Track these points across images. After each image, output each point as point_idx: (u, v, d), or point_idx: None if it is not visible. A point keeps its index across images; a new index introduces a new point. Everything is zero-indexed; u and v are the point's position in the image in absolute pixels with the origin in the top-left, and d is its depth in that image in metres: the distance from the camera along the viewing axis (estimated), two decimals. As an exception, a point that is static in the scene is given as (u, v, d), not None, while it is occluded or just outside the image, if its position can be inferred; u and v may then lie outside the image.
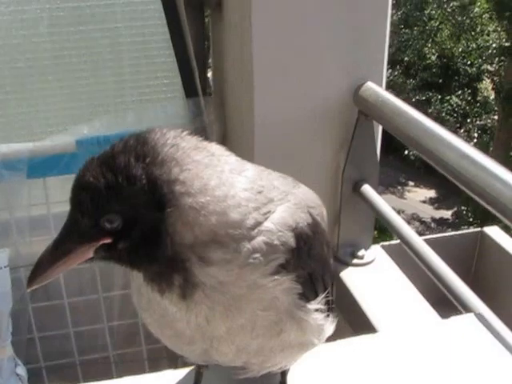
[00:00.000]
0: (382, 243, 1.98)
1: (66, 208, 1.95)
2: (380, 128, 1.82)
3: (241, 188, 0.75)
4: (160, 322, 0.84)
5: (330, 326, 0.89)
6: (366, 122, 1.72)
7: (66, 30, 2.00)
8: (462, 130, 16.40)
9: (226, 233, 0.72)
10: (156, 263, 0.74)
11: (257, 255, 0.74)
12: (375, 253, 1.93)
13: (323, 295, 0.84)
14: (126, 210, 0.71)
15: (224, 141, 2.07)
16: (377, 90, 1.65)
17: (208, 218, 0.71)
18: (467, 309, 1.31)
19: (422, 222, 14.99)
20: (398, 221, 1.65)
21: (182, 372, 1.09)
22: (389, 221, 1.68)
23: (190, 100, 2.01)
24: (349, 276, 1.85)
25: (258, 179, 0.78)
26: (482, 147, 15.60)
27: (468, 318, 1.25)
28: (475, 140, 16.25)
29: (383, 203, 1.75)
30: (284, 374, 1.01)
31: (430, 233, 13.94)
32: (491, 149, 15.29)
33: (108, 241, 0.72)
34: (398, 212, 14.29)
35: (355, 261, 1.90)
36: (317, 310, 0.83)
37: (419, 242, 1.54)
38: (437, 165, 1.32)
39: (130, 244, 0.72)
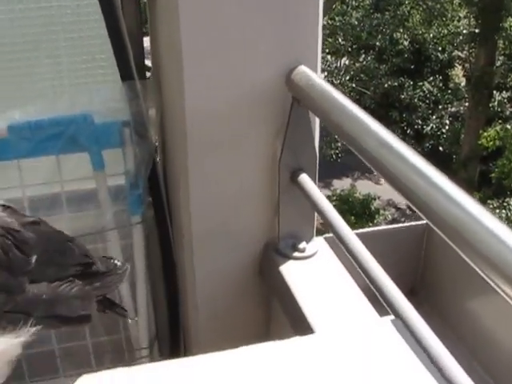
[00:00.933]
0: (325, 235, 1.93)
1: (2, 195, 1.89)
2: (317, 115, 1.77)
3: None
4: None
5: None
6: (300, 108, 1.67)
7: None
8: (434, 117, 16.47)
9: None
10: None
11: None
12: (318, 245, 1.88)
13: None
14: None
15: (162, 126, 2.02)
16: (309, 74, 1.60)
17: None
18: (394, 311, 1.28)
19: (398, 209, 15.08)
20: (333, 213, 1.60)
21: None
22: (323, 213, 1.63)
23: (126, 83, 1.94)
24: (289, 270, 1.80)
25: None
26: (454, 134, 15.69)
27: (394, 321, 1.23)
28: (447, 127, 16.33)
29: (319, 194, 1.70)
30: None
31: (406, 220, 14.00)
32: (462, 136, 15.38)
33: None
34: (374, 198, 14.32)
35: (296, 254, 1.85)
36: None
37: (352, 238, 1.50)
38: (359, 152, 1.28)
39: None
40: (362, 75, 16.35)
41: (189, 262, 1.97)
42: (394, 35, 16.27)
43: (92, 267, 1.08)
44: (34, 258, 0.95)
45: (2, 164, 1.92)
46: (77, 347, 2.23)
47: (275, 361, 1.14)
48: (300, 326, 1.62)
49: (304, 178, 1.76)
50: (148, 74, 2.20)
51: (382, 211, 14.48)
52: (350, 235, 1.50)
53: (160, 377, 1.12)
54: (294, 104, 1.67)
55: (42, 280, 0.96)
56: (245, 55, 1.65)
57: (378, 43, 16.17)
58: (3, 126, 1.85)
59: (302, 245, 1.86)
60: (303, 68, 1.64)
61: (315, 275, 1.78)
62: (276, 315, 2.00)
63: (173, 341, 2.27)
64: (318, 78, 1.56)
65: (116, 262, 1.16)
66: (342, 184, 15.76)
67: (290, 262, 1.84)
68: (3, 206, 0.98)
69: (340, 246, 1.52)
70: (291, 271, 1.80)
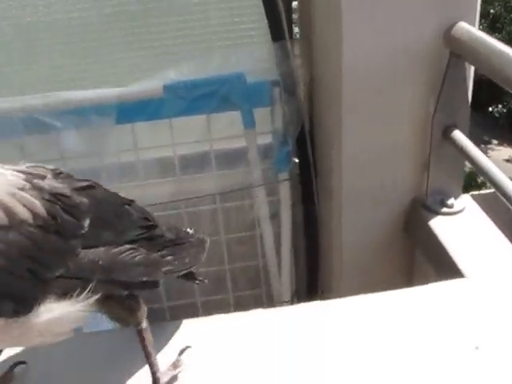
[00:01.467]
0: (471, 193, 1.93)
1: (154, 154, 1.98)
2: (472, 71, 1.76)
3: None
4: None
5: (38, 317, 0.86)
6: (459, 63, 1.66)
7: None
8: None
9: None
10: None
11: None
12: (465, 202, 1.88)
13: None
14: None
15: (311, 85, 2.04)
16: (470, 29, 1.59)
17: None
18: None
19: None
20: (491, 167, 1.60)
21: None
22: (481, 167, 1.63)
23: (277, 44, 1.98)
24: (437, 224, 1.81)
25: None
26: None
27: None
28: None
29: (475, 149, 1.69)
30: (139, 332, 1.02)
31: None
32: None
33: None
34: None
35: (444, 209, 1.85)
36: None
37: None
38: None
39: None
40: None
41: (336, 217, 2.00)
42: (510, 2, 15.60)
43: (154, 230, 1.06)
44: (86, 222, 0.93)
45: (155, 123, 2.00)
46: (219, 301, 2.32)
47: (422, 304, 1.17)
48: (450, 273, 1.63)
49: (457, 134, 1.76)
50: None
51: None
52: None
53: (301, 318, 1.17)
54: (452, 60, 1.66)
55: (98, 245, 0.94)
56: (403, 12, 1.65)
57: (492, 10, 15.58)
58: (159, 84, 1.93)
59: (450, 201, 1.86)
60: (463, 24, 1.63)
61: (464, 229, 1.78)
62: (420, 267, 2.02)
63: (312, 294, 2.32)
64: (484, 34, 1.55)
65: (189, 230, 1.14)
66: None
67: (439, 218, 1.84)
68: (55, 171, 0.96)
69: (503, 202, 1.51)
70: (439, 225, 1.80)
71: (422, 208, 1.90)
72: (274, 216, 2.17)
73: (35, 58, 2.05)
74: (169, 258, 1.04)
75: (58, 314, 0.87)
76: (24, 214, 0.84)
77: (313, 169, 2.13)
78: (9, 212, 0.83)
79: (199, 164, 2.09)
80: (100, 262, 0.93)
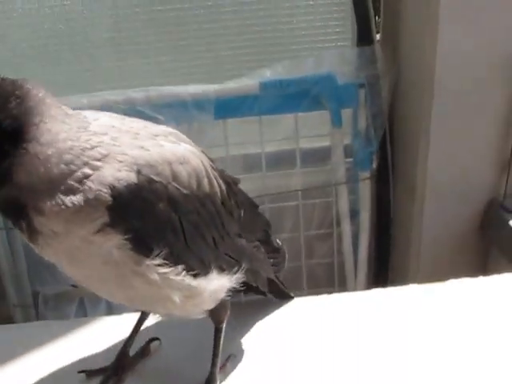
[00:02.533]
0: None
1: (242, 150, 2.05)
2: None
3: (80, 143, 0.76)
4: None
5: (208, 282, 0.90)
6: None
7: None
8: None
9: (58, 186, 0.75)
10: None
11: (81, 214, 0.76)
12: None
13: (160, 250, 0.82)
14: None
15: (395, 87, 2.13)
16: None
17: (48, 169, 0.74)
18: None
19: None
20: None
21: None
22: None
23: (364, 47, 2.08)
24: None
25: (102, 134, 0.79)
26: None
27: None
28: None
29: None
30: (217, 331, 1.02)
31: None
32: None
33: None
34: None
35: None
36: (161, 265, 0.82)
37: None
38: None
39: None
40: None
41: (417, 214, 2.09)
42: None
43: (270, 236, 1.12)
44: (242, 212, 1.00)
45: (245, 120, 2.09)
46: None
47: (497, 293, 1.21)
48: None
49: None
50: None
51: None
52: None
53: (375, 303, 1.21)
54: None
55: (242, 235, 0.99)
56: (502, 18, 1.74)
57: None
58: (256, 82, 2.02)
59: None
60: None
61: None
62: (495, 265, 2.08)
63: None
64: None
65: (278, 241, 1.16)
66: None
67: (516, 218, 1.92)
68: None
69: None
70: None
71: (500, 208, 1.98)
72: (353, 214, 2.25)
73: (137, 53, 2.15)
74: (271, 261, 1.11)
75: (218, 284, 0.92)
76: (217, 188, 0.91)
77: (391, 166, 2.21)
78: (211, 183, 0.90)
79: (285, 161, 2.17)
80: (247, 250, 1.00)
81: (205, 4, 2.11)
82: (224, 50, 2.17)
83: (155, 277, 0.82)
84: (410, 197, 2.14)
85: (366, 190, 2.21)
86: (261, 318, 1.18)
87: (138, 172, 0.78)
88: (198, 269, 0.88)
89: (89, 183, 0.75)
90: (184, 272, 0.85)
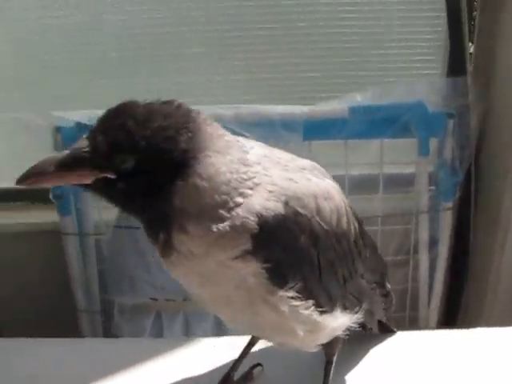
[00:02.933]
0: None
1: (334, 172, 2.07)
2: None
3: (238, 175, 0.77)
4: None
5: (331, 318, 0.90)
6: None
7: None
8: None
9: (208, 213, 0.76)
10: (145, 215, 0.79)
11: (224, 239, 0.76)
12: None
13: (295, 283, 0.82)
14: (144, 161, 0.75)
15: (486, 120, 2.11)
16: None
17: (203, 199, 0.76)
18: None
19: None
20: None
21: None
22: None
23: (456, 77, 2.08)
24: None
25: (257, 164, 0.80)
26: None
27: None
28: None
29: None
30: (328, 363, 1.02)
31: None
32: None
33: (112, 176, 0.75)
34: None
35: None
36: (293, 298, 0.83)
37: None
38: None
39: (130, 188, 0.76)
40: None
41: (499, 248, 2.06)
42: None
43: (386, 280, 1.11)
44: (367, 252, 0.99)
45: (333, 142, 2.09)
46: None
47: None
48: None
49: None
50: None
51: None
52: None
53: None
54: None
55: (365, 276, 0.99)
56: None
57: None
58: (345, 106, 2.03)
59: None
60: None
61: None
62: None
63: (453, 322, 2.37)
64: None
65: (388, 285, 1.14)
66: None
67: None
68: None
69: None
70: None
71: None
72: (431, 243, 2.24)
73: (227, 70, 2.19)
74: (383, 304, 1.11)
75: (340, 322, 0.92)
76: (352, 226, 0.92)
77: (473, 198, 2.20)
78: (348, 220, 0.90)
79: (368, 185, 2.17)
80: (367, 291, 1.01)
81: (298, 25, 2.13)
82: (314, 72, 2.19)
83: (285, 308, 0.83)
84: (491, 230, 2.12)
85: (447, 219, 2.20)
86: (364, 352, 1.18)
87: (286, 203, 0.79)
88: (326, 305, 0.88)
89: (237, 210, 0.77)
90: (313, 307, 0.86)
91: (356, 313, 0.95)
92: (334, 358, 1.01)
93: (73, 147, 0.75)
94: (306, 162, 0.88)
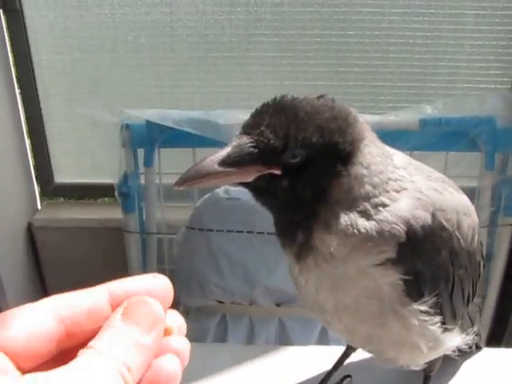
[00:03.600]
0: None
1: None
2: None
3: (388, 171, 0.76)
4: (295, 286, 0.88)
5: (451, 337, 0.89)
6: None
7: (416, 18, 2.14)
8: None
9: (356, 205, 0.74)
10: (299, 213, 0.75)
11: (370, 243, 0.74)
12: None
13: (430, 298, 0.81)
14: (313, 154, 0.71)
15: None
16: None
17: (357, 187, 0.74)
18: None
19: None
20: None
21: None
22: None
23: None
24: None
25: (403, 169, 0.79)
26: None
27: None
28: None
29: None
30: (426, 379, 1.02)
31: None
32: None
33: (277, 172, 0.72)
34: None
35: None
36: (424, 313, 0.82)
37: None
38: None
39: (294, 184, 0.73)
40: None
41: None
42: None
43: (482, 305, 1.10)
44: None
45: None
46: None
47: None
48: None
49: None
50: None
51: None
52: None
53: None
54: None
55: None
56: None
57: None
58: (416, 118, 2.03)
59: None
60: None
61: None
62: None
63: (504, 338, 2.36)
64: None
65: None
66: None
67: None
68: None
69: None
70: None
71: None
72: (488, 257, 2.23)
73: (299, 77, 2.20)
74: None
75: (456, 342, 0.92)
76: (480, 246, 0.91)
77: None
78: (478, 239, 0.89)
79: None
80: (478, 314, 1.02)
81: (372, 34, 2.13)
82: (386, 81, 2.20)
83: (415, 322, 0.82)
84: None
85: (505, 235, 2.20)
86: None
87: (433, 215, 0.77)
88: (450, 323, 0.88)
89: (385, 214, 0.75)
90: (439, 323, 0.85)
91: (468, 334, 0.95)
92: (433, 374, 1.02)
93: (234, 144, 0.70)
94: (442, 175, 0.87)
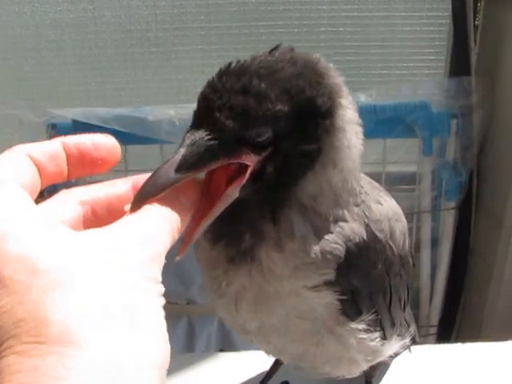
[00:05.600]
0: None
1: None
2: None
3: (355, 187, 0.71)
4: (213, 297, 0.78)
5: (388, 347, 0.86)
6: None
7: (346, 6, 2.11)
8: None
9: (316, 220, 0.68)
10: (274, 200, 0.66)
11: (313, 266, 0.69)
12: None
13: (369, 315, 0.78)
14: (284, 124, 0.61)
15: (490, 121, 2.09)
16: None
17: (328, 195, 0.67)
18: None
19: None
20: None
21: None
22: None
23: (460, 78, 2.05)
24: None
25: (362, 180, 0.74)
26: None
27: None
28: None
29: None
30: (367, 382, 1.00)
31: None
32: None
33: (249, 160, 0.60)
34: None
35: None
36: (363, 331, 0.78)
37: None
38: None
39: (274, 168, 0.62)
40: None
41: (502, 249, 2.05)
42: None
43: None
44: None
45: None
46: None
47: None
48: None
49: None
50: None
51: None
52: None
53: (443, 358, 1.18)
54: None
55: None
56: None
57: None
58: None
59: None
60: None
61: None
62: None
63: (456, 323, 2.36)
64: None
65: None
66: None
67: None
68: None
69: None
70: None
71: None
72: (434, 242, 2.22)
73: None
74: None
75: (394, 349, 0.90)
76: (409, 248, 0.87)
77: (474, 199, 2.18)
78: (409, 243, 0.85)
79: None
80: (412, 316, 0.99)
81: (301, 23, 2.09)
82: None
83: (352, 341, 0.77)
84: (494, 232, 2.10)
85: (449, 219, 2.19)
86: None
87: (367, 226, 0.72)
88: (389, 334, 0.84)
89: (337, 231, 0.69)
90: (379, 338, 0.81)
91: (405, 338, 0.92)
92: (373, 379, 0.99)
93: (188, 143, 0.57)
94: (370, 179, 0.82)
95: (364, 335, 0.78)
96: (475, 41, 2.11)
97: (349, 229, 0.70)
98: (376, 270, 0.76)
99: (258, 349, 0.89)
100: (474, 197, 2.19)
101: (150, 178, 0.53)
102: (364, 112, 1.93)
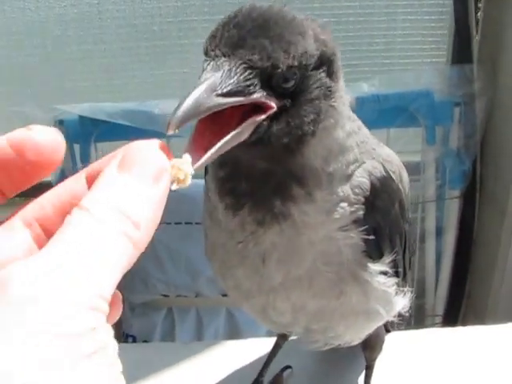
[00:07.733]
0: None
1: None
2: None
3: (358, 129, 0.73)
4: (222, 267, 0.81)
5: (400, 299, 0.86)
6: None
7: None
8: None
9: (336, 164, 0.69)
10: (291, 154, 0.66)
11: (345, 204, 0.71)
12: None
13: (390, 257, 0.79)
14: (305, 71, 0.61)
15: (492, 109, 2.10)
16: None
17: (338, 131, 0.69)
18: None
19: None
20: None
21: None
22: None
23: (462, 66, 2.06)
24: None
25: (364, 129, 0.75)
26: None
27: None
28: None
29: None
30: (368, 368, 1.01)
31: None
32: None
33: (273, 106, 0.59)
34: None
35: None
36: (383, 273, 0.78)
37: None
38: None
39: (290, 118, 0.62)
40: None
41: (505, 237, 2.06)
42: None
43: None
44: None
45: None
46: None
47: None
48: None
49: None
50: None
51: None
52: None
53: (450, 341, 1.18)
54: None
55: None
56: None
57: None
58: (352, 96, 2.00)
59: None
60: None
61: None
62: None
63: (461, 312, 2.37)
64: None
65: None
66: None
67: None
68: None
69: None
70: None
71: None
72: (437, 231, 2.23)
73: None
74: None
75: (403, 303, 0.88)
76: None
77: (478, 187, 2.19)
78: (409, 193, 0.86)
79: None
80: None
81: (303, 13, 2.09)
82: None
83: (375, 285, 0.78)
84: (497, 220, 2.11)
85: (453, 208, 2.20)
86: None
87: (384, 167, 0.75)
88: (402, 284, 0.85)
89: (359, 169, 0.72)
90: (395, 286, 0.82)
91: (410, 293, 0.91)
92: (375, 363, 1.00)
93: (223, 71, 0.54)
94: None
95: (384, 279, 0.79)
96: (477, 29, 2.12)
97: (370, 165, 0.73)
98: (394, 209, 0.78)
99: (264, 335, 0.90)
100: (477, 185, 2.20)
101: (185, 99, 0.49)
102: (366, 102, 1.96)
